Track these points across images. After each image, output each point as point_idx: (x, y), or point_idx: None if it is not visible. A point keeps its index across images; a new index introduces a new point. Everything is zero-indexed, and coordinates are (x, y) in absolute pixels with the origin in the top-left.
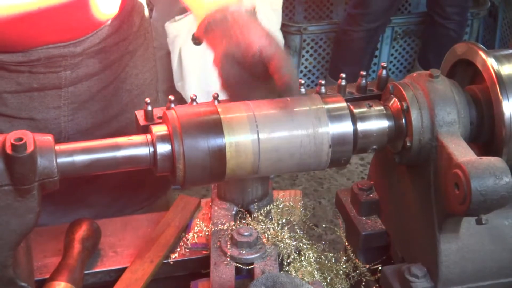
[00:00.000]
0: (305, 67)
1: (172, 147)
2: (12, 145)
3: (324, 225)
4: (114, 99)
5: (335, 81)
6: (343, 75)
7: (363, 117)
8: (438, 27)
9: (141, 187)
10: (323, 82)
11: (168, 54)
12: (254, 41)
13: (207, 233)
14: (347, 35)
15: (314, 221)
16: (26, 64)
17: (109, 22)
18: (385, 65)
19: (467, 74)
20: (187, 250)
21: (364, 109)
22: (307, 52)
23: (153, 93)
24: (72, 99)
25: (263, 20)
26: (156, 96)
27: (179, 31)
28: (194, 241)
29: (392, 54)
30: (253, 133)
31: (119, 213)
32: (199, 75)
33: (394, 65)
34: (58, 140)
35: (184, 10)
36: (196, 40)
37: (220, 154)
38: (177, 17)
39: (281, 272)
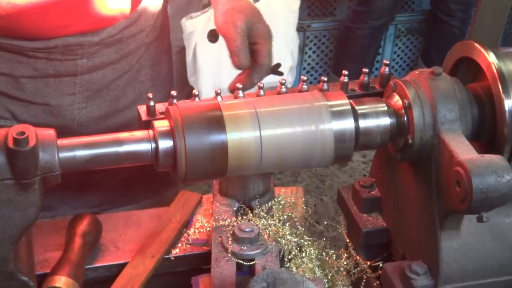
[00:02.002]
0: (308, 64)
1: (174, 143)
2: (14, 139)
3: (325, 222)
4: (128, 88)
5: (338, 78)
6: (346, 72)
7: (365, 114)
8: (441, 24)
9: (153, 176)
10: (325, 79)
11: (181, 50)
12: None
13: (208, 228)
14: (351, 33)
15: (316, 218)
16: (44, 50)
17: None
18: (388, 62)
19: (469, 72)
20: (188, 246)
21: (366, 106)
22: (310, 49)
23: (167, 85)
24: (87, 87)
25: (280, 21)
26: (170, 89)
27: (195, 28)
28: (195, 236)
29: (395, 52)
30: (255, 130)
31: (130, 201)
32: (212, 71)
33: (397, 63)
34: (71, 127)
35: (199, 8)
36: (212, 38)
37: (222, 150)
38: (193, 14)
39: (282, 268)
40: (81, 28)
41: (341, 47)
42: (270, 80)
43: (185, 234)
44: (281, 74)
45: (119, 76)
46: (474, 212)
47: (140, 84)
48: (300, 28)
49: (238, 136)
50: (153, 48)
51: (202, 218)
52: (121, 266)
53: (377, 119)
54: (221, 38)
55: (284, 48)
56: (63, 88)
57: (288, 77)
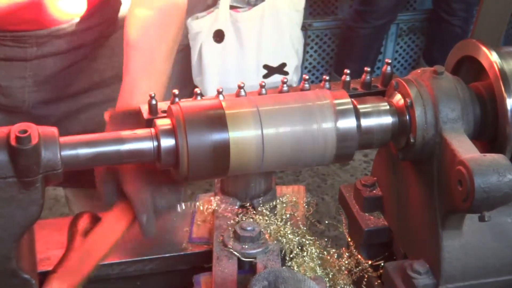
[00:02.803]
0: (310, 63)
1: (176, 141)
2: (17, 137)
3: (327, 221)
4: (81, 77)
5: (339, 78)
6: (348, 71)
7: (367, 113)
8: (443, 23)
9: None
10: (327, 78)
11: (183, 48)
12: None
13: (210, 227)
14: (353, 32)
15: (317, 217)
16: None
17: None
18: (390, 61)
19: (471, 70)
20: (189, 244)
21: (368, 105)
22: (311, 48)
23: None
24: (37, 72)
25: (285, 20)
26: None
27: (201, 28)
28: (196, 235)
29: (397, 51)
30: (257, 129)
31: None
32: (218, 71)
33: (398, 62)
34: (22, 108)
35: (205, 8)
36: (217, 38)
37: (224, 149)
38: (199, 15)
39: (284, 267)
40: (32, 27)
41: (342, 46)
42: (277, 79)
43: (186, 233)
44: (286, 73)
45: (70, 64)
46: (476, 211)
47: (97, 73)
48: (302, 27)
49: (240, 135)
50: (114, 39)
51: (204, 216)
52: (123, 264)
53: (379, 118)
54: (226, 38)
55: (290, 47)
56: (13, 71)
57: (294, 77)
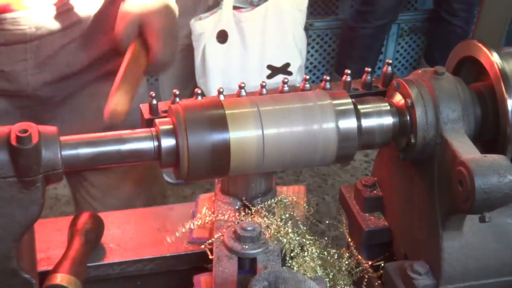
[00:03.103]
0: (311, 63)
1: (176, 141)
2: (17, 137)
3: (327, 221)
4: (80, 54)
5: (340, 78)
6: (348, 71)
7: (368, 113)
8: (444, 23)
9: None
10: (328, 78)
11: (185, 48)
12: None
13: (210, 227)
14: (354, 32)
15: (318, 217)
16: None
17: None
18: (390, 61)
19: (472, 71)
20: (189, 244)
21: (369, 105)
22: (312, 48)
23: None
24: (37, 53)
25: (288, 20)
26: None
27: (205, 29)
28: (197, 235)
29: (397, 51)
30: (258, 129)
31: None
32: (222, 72)
33: (399, 62)
34: (27, 91)
35: (207, 9)
36: (221, 39)
37: (224, 149)
38: (202, 15)
39: (284, 267)
40: (27, 5)
41: (343, 46)
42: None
43: (187, 233)
44: (290, 74)
45: (68, 42)
46: (477, 212)
47: (94, 48)
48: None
49: (241, 135)
50: (110, 13)
51: (204, 216)
52: (123, 264)
53: (379, 118)
54: (230, 39)
55: (293, 47)
56: (14, 55)
57: (297, 77)
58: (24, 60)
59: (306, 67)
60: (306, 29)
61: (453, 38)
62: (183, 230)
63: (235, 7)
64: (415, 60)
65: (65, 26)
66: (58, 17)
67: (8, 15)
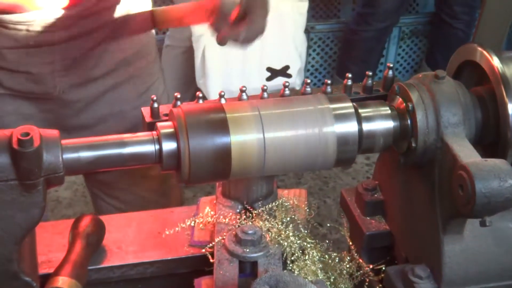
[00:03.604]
0: (312, 66)
1: (177, 144)
2: (19, 140)
3: (328, 224)
4: (105, 57)
5: (341, 80)
6: (349, 75)
7: (369, 117)
8: (446, 26)
9: None
10: (329, 81)
11: (186, 50)
12: None
13: (211, 230)
14: (356, 35)
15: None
16: (23, 23)
17: None
18: (391, 65)
19: (473, 75)
20: (190, 248)
21: (370, 109)
22: (314, 51)
23: (151, 53)
24: (65, 56)
25: (289, 23)
26: (154, 57)
27: (205, 30)
28: (198, 238)
29: (399, 54)
30: (259, 132)
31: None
32: (221, 73)
33: (401, 65)
34: (53, 94)
35: None
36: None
37: (225, 152)
38: None
39: (285, 271)
40: (39, 6)
41: (345, 49)
42: (280, 82)
43: (188, 236)
44: (289, 76)
45: (94, 45)
46: (477, 216)
47: (119, 51)
48: (304, 30)
49: (242, 138)
50: (137, 18)
51: (205, 219)
52: (124, 267)
53: (380, 122)
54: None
55: (293, 50)
56: (42, 57)
57: (297, 79)
58: (52, 63)
59: (308, 70)
60: (307, 32)
61: (454, 41)
62: (184, 226)
63: None
64: (416, 63)
65: (92, 29)
66: (86, 19)
67: (38, 15)
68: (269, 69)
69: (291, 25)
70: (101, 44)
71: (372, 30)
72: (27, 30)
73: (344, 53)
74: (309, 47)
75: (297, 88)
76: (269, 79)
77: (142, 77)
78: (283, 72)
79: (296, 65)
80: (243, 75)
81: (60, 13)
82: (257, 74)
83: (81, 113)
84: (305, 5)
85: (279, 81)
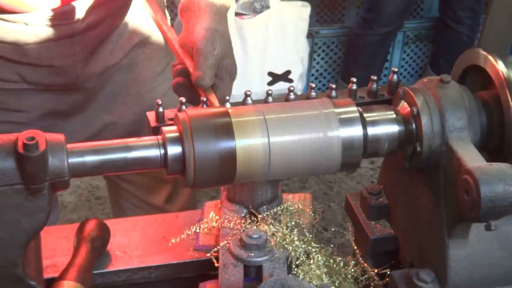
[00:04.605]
0: (317, 70)
1: (183, 149)
2: (24, 144)
3: (333, 229)
4: (121, 42)
5: (346, 85)
6: (354, 79)
7: (374, 122)
8: (450, 31)
9: None
10: (334, 86)
11: None
12: (192, 32)
13: (216, 234)
14: (360, 39)
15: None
16: (43, 18)
17: None
18: (396, 69)
19: (478, 79)
20: (195, 252)
21: (375, 114)
22: (318, 55)
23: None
24: (84, 46)
25: (290, 28)
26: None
27: None
28: (202, 242)
29: (403, 59)
30: (264, 137)
31: None
32: None
33: (405, 70)
34: (76, 84)
35: None
36: None
37: (230, 157)
38: None
39: (290, 275)
40: (34, 6)
41: (349, 53)
42: (281, 87)
43: (193, 240)
44: (291, 81)
45: (110, 32)
46: (482, 220)
47: (134, 35)
48: (309, 35)
49: (247, 143)
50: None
51: (210, 223)
52: (129, 272)
53: (385, 127)
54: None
55: (295, 55)
56: (63, 50)
57: (298, 84)
58: (73, 54)
59: (312, 75)
60: (312, 36)
61: (458, 45)
62: (189, 233)
63: (237, 14)
64: (421, 68)
65: (106, 15)
66: (101, 7)
67: (56, 11)
68: (270, 73)
69: (293, 30)
70: (115, 31)
71: (376, 35)
72: (47, 25)
73: (348, 58)
74: (313, 51)
75: (299, 93)
76: (270, 83)
77: (158, 58)
78: (285, 77)
79: (298, 70)
80: (244, 79)
81: (76, 5)
82: (258, 78)
83: (102, 98)
84: (307, 10)
85: (280, 85)
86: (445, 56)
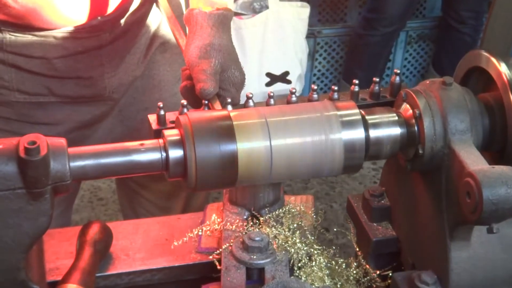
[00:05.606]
0: (319, 70)
1: (184, 152)
2: (26, 149)
3: (335, 229)
4: (145, 49)
5: (348, 85)
6: (356, 81)
7: (376, 124)
8: (452, 31)
9: None
10: (336, 88)
11: None
12: (188, 51)
13: (218, 237)
14: (362, 39)
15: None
16: (71, 33)
17: None
18: (398, 71)
19: (480, 81)
20: (198, 254)
21: (377, 116)
22: (320, 55)
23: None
24: (112, 56)
25: (289, 29)
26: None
27: None
28: (205, 245)
29: (406, 58)
30: (266, 140)
31: None
32: None
33: (408, 69)
34: (104, 95)
35: None
36: None
37: (232, 160)
38: None
39: (292, 277)
40: (59, 8)
41: (351, 53)
42: (280, 88)
43: (195, 242)
44: (289, 82)
45: (138, 39)
46: (485, 223)
47: (158, 38)
48: (311, 35)
49: (248, 146)
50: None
51: (212, 227)
52: (131, 274)
53: (387, 129)
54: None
55: (293, 56)
56: (91, 61)
57: (297, 86)
58: (101, 65)
59: (314, 74)
60: (314, 36)
61: (461, 45)
62: (191, 235)
63: (235, 14)
64: (423, 68)
65: (131, 24)
66: (125, 19)
67: (83, 25)
68: (268, 74)
69: (292, 31)
70: (143, 37)
71: (378, 35)
72: (75, 38)
73: (350, 58)
74: (315, 51)
75: (297, 94)
76: (268, 84)
77: (179, 62)
78: (283, 78)
79: (296, 71)
80: (251, 82)
81: (104, 19)
82: (256, 79)
83: (124, 104)
84: (306, 11)
85: (279, 86)
86: (447, 56)
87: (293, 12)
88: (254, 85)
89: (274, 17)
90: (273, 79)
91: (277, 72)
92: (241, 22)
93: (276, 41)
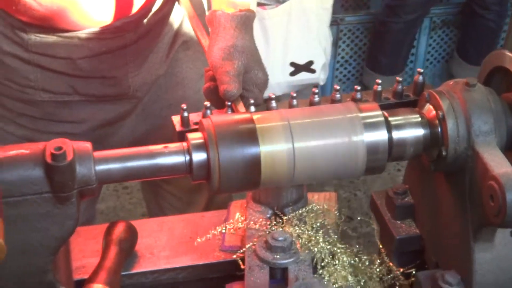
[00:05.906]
0: (342, 57)
1: (207, 155)
2: (52, 154)
3: (359, 218)
4: (168, 47)
5: (372, 72)
6: (379, 81)
7: (399, 125)
8: (477, 17)
9: None
10: (358, 87)
11: None
12: (211, 52)
13: (241, 235)
14: (386, 27)
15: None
16: (95, 33)
17: None
18: (422, 71)
19: (503, 81)
20: (221, 253)
21: (400, 117)
22: (343, 42)
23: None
24: (136, 56)
25: (313, 18)
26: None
27: None
28: (228, 243)
29: (430, 45)
30: (288, 142)
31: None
32: None
33: (432, 55)
34: (128, 94)
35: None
36: None
37: (255, 163)
38: None
39: (315, 279)
40: (85, 9)
41: (375, 41)
42: (304, 77)
43: (219, 241)
44: (313, 71)
45: (160, 38)
46: (508, 226)
47: (180, 36)
48: (334, 22)
49: (271, 149)
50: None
51: (236, 225)
52: (156, 273)
53: (410, 130)
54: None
55: (317, 45)
56: (115, 61)
57: (321, 75)
58: (125, 64)
59: (338, 61)
60: (337, 23)
61: (486, 32)
62: (215, 233)
63: (259, 4)
64: (447, 54)
65: (153, 23)
66: (148, 18)
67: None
68: (292, 64)
69: (315, 20)
70: (166, 36)
71: (401, 22)
72: (99, 38)
73: (374, 45)
74: (338, 38)
75: (321, 83)
76: (292, 74)
77: (202, 59)
78: (307, 67)
79: (320, 61)
80: (266, 70)
81: (128, 20)
82: (280, 69)
83: (147, 102)
84: (329, 0)
85: (303, 76)
86: (472, 42)
87: (317, 1)
88: (279, 75)
89: (298, 6)
90: (297, 68)
91: (301, 61)
92: (264, 13)
93: (300, 31)
